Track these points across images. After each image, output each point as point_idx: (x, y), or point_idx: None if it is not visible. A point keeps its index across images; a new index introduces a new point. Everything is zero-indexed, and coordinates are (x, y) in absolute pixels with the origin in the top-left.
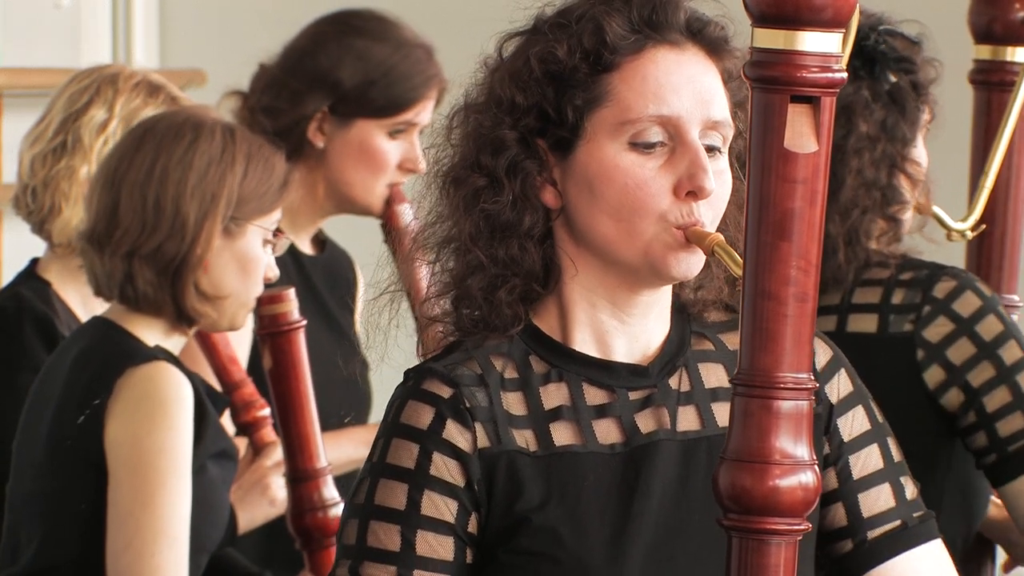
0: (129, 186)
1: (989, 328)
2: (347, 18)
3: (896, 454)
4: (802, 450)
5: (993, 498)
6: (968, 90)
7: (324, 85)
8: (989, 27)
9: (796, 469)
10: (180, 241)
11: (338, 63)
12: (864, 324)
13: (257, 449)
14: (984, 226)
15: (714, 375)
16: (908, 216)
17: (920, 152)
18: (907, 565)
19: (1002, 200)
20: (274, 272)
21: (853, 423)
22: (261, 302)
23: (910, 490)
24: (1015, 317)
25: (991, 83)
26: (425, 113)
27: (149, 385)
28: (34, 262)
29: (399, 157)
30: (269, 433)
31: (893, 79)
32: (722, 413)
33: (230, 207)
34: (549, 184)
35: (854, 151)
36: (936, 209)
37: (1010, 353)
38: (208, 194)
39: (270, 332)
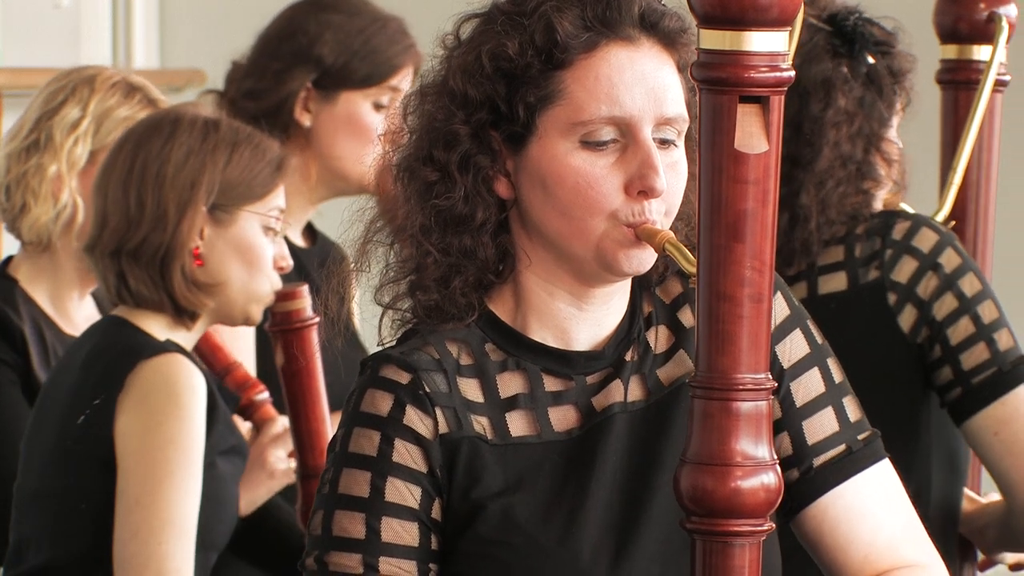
0: (113, 187)
1: (949, 260)
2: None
3: (837, 375)
4: (763, 451)
5: (966, 491)
6: (935, 89)
7: (306, 61)
8: (955, 26)
9: (757, 470)
10: (162, 232)
11: (317, 39)
12: (834, 283)
13: (259, 429)
14: (954, 223)
15: (659, 340)
16: (880, 195)
17: (895, 135)
18: (855, 490)
19: (973, 197)
20: (287, 262)
21: (792, 348)
22: (274, 298)
23: (852, 411)
24: None
25: (958, 82)
26: (406, 82)
27: (159, 377)
28: (7, 261)
29: (383, 128)
30: (269, 411)
31: (871, 60)
32: (665, 374)
33: (212, 194)
34: (503, 175)
35: (832, 124)
36: (904, 206)
37: (970, 285)
38: (187, 182)
39: (283, 329)
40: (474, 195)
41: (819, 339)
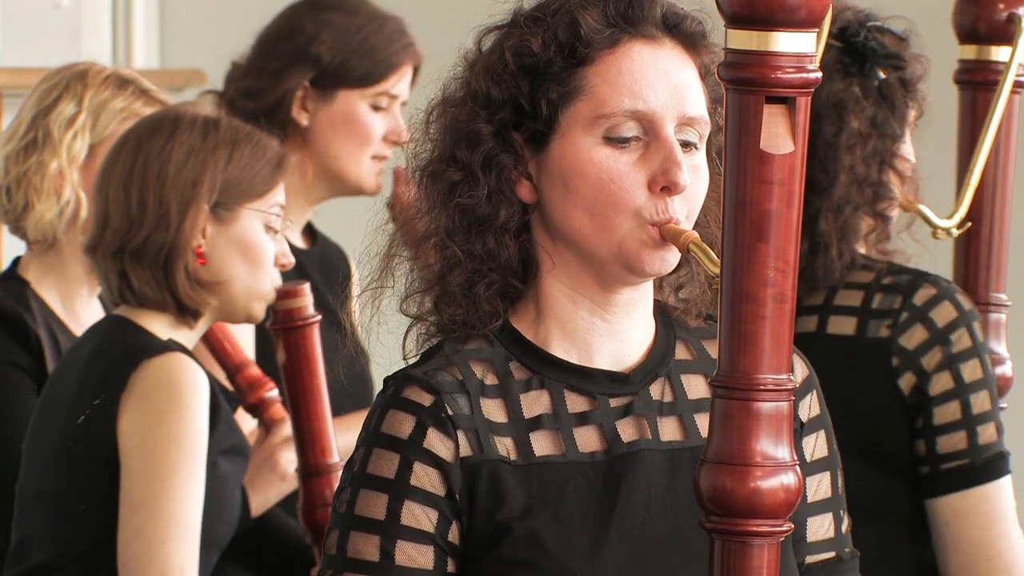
0: (114, 187)
1: (959, 340)
2: None
3: (841, 486)
4: (783, 451)
5: None
6: (953, 90)
7: (304, 60)
8: (973, 27)
9: (777, 470)
10: (165, 231)
11: (315, 38)
12: (843, 326)
13: (268, 428)
14: (970, 224)
15: (696, 386)
16: (895, 213)
17: (908, 149)
18: None
19: (989, 199)
20: (288, 259)
21: (815, 446)
22: (275, 296)
23: (845, 524)
24: (1003, 316)
25: (976, 83)
26: (403, 83)
27: (163, 375)
28: (16, 262)
29: (383, 129)
30: (279, 411)
31: (882, 75)
32: (705, 424)
33: (214, 192)
34: (524, 178)
35: (846, 147)
36: (922, 207)
37: (971, 371)
38: (189, 181)
39: (284, 327)
40: (497, 194)
41: (835, 447)
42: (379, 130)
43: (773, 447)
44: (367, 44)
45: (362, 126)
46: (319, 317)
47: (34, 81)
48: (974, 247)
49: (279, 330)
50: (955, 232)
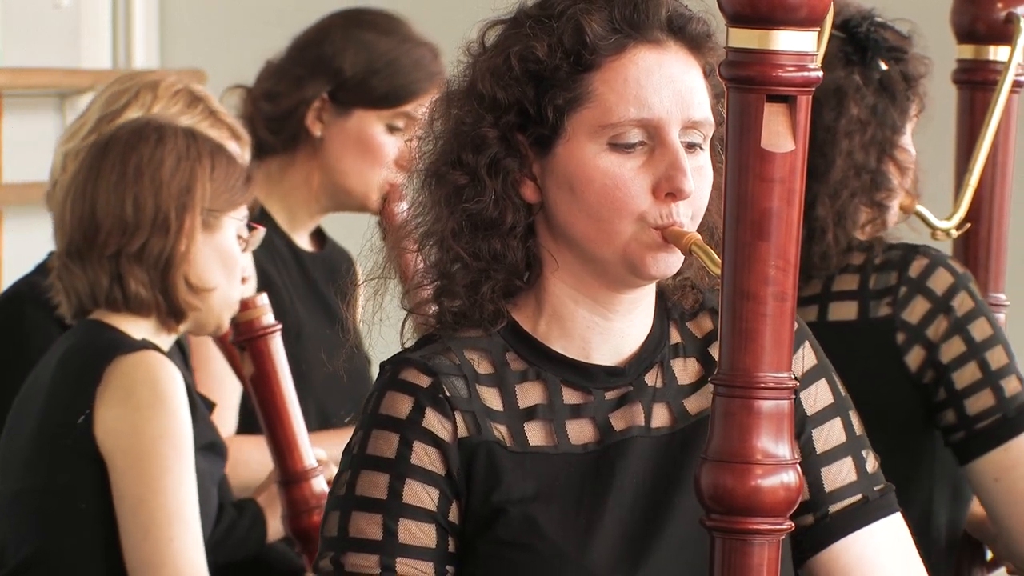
0: (104, 191)
1: (961, 304)
2: (357, 13)
3: (857, 427)
4: (783, 450)
5: None
6: (952, 90)
7: (326, 71)
8: (972, 26)
9: (778, 469)
10: (164, 236)
11: (341, 51)
12: (844, 311)
13: None
14: (969, 225)
15: (684, 370)
16: (894, 205)
17: (908, 141)
18: (868, 539)
19: (987, 199)
20: (251, 273)
21: (817, 396)
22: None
23: (871, 463)
24: (1002, 316)
25: (974, 82)
26: (424, 110)
27: (141, 372)
28: (51, 255)
29: (396, 153)
30: None
31: (884, 67)
32: (693, 404)
33: (205, 199)
34: (529, 179)
35: (845, 133)
36: (920, 208)
37: (980, 330)
38: (183, 187)
39: (248, 338)
40: (503, 198)
41: (843, 391)
42: (392, 153)
43: (774, 445)
44: (392, 66)
45: (374, 148)
46: (279, 326)
47: (34, 81)
48: (973, 247)
49: (244, 341)
50: (954, 233)
